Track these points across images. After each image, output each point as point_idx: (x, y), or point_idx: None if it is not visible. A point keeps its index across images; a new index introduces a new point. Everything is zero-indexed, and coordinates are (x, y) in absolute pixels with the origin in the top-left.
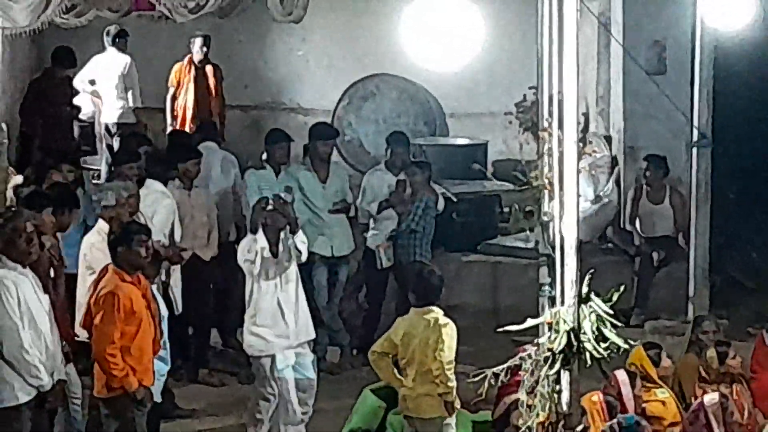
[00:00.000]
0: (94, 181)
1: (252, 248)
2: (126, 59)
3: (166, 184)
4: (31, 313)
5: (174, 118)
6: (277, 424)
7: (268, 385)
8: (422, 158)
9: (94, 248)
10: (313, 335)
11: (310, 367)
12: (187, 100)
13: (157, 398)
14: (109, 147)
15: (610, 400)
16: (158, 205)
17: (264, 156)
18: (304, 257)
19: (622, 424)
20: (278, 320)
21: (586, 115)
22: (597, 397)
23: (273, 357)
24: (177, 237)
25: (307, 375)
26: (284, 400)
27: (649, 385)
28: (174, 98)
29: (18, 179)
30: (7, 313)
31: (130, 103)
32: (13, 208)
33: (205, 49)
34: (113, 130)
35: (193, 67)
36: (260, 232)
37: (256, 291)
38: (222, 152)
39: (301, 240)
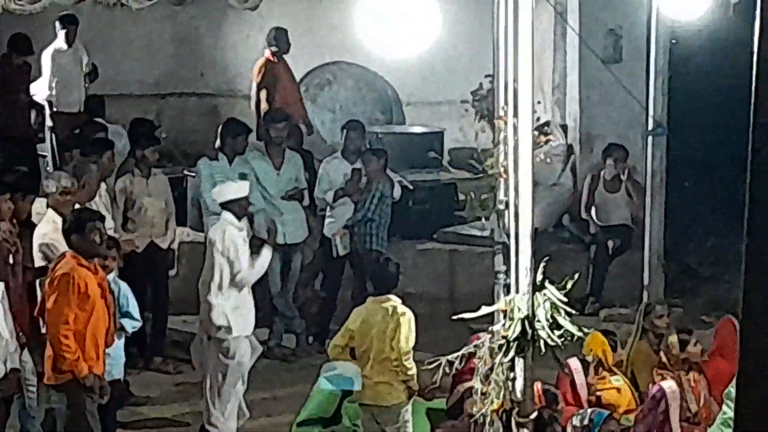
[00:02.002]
0: (47, 168)
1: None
2: (81, 49)
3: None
4: None
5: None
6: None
7: (233, 359)
8: (378, 146)
9: (46, 237)
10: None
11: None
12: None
13: (119, 372)
14: (62, 135)
15: (549, 388)
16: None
17: (218, 144)
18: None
19: (594, 420)
20: (248, 306)
21: (541, 104)
22: (537, 386)
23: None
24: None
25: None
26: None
27: (604, 372)
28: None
29: None
30: None
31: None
32: None
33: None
34: (63, 117)
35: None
36: (245, 220)
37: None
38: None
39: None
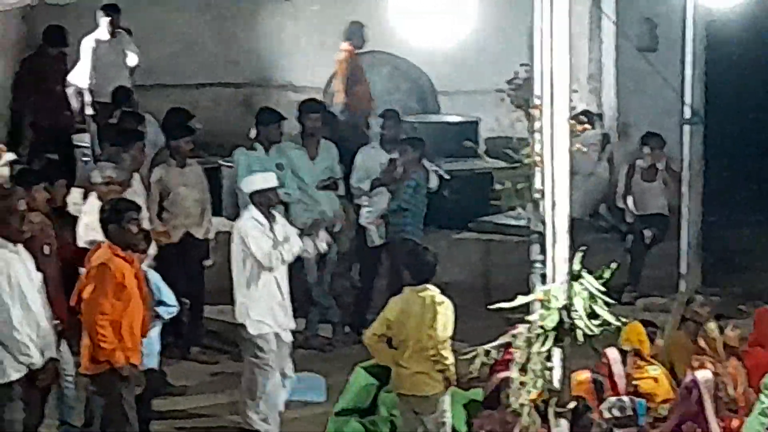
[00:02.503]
0: (84, 158)
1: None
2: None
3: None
4: (22, 292)
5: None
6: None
7: (265, 357)
8: (414, 135)
9: (91, 228)
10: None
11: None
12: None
13: (154, 361)
14: (102, 124)
15: (598, 378)
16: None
17: (253, 134)
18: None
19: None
20: (278, 299)
21: (577, 93)
22: (585, 375)
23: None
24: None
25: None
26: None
27: (641, 362)
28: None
29: (9, 156)
30: None
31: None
32: (6, 186)
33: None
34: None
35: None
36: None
37: (254, 268)
38: None
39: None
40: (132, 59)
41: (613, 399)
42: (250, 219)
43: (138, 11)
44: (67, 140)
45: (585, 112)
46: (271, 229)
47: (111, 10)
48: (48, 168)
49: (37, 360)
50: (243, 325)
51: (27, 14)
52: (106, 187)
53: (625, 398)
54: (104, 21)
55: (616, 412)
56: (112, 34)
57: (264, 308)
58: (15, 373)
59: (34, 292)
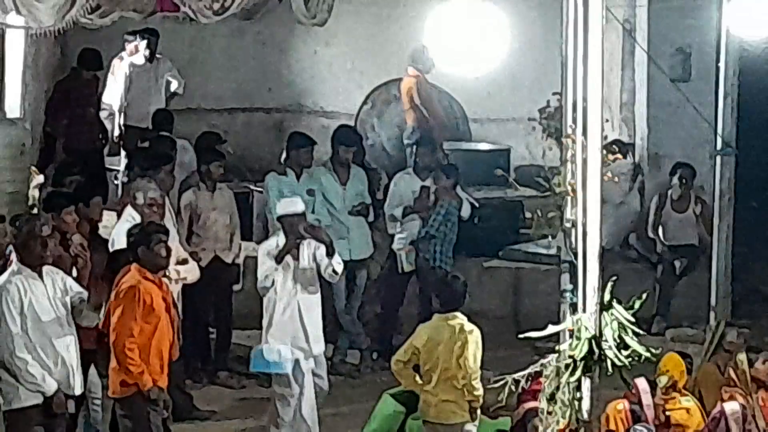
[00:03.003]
0: (116, 182)
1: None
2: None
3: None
4: (38, 318)
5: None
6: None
7: (286, 386)
8: (445, 163)
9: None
10: (322, 348)
11: (324, 374)
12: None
13: None
14: (135, 149)
15: (635, 408)
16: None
17: (284, 158)
18: (336, 278)
19: None
20: (297, 326)
21: (609, 122)
22: (622, 405)
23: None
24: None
25: (320, 382)
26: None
27: (674, 393)
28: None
29: (40, 179)
30: (4, 317)
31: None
32: (34, 210)
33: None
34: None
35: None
36: (280, 235)
37: (273, 294)
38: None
39: (337, 261)
40: (174, 86)
41: (638, 427)
42: (273, 243)
43: (169, 35)
44: (99, 163)
45: (616, 142)
46: (294, 257)
47: (149, 34)
48: (79, 189)
49: (49, 388)
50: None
51: (60, 37)
52: (148, 209)
53: (651, 426)
54: (141, 45)
55: None
56: (149, 59)
57: (280, 334)
58: (30, 399)
59: (54, 318)
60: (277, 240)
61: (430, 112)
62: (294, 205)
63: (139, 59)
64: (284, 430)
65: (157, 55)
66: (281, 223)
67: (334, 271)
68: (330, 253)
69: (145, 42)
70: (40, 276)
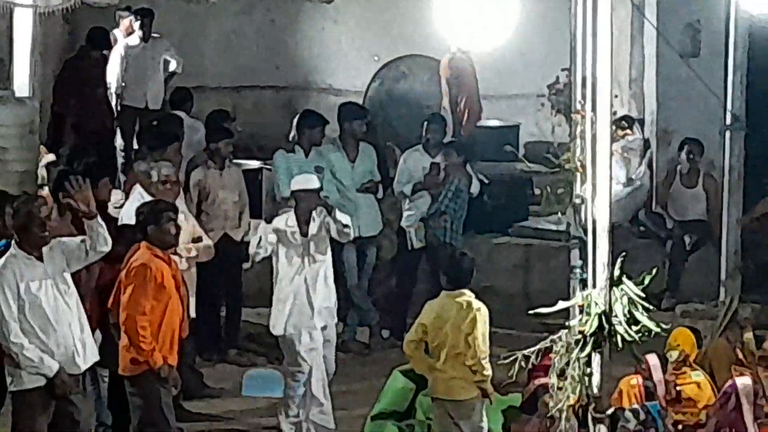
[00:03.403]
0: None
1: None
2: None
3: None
4: (38, 301)
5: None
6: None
7: (296, 364)
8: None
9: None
10: (325, 323)
11: (332, 353)
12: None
13: None
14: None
15: (648, 385)
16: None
17: (293, 136)
18: (351, 232)
19: (649, 411)
20: (302, 300)
21: (618, 98)
22: (636, 380)
23: (299, 336)
24: None
25: (328, 362)
26: (310, 382)
27: (685, 368)
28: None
29: (49, 157)
30: None
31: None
32: (44, 189)
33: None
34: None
35: None
36: (290, 213)
37: (280, 271)
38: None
39: (341, 217)
40: (173, 65)
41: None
42: (282, 220)
43: (178, 14)
44: (109, 142)
45: (626, 117)
46: (303, 234)
47: (143, 14)
48: (90, 169)
49: (50, 370)
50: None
51: (68, 16)
52: (162, 186)
53: (636, 405)
54: (136, 25)
55: (632, 420)
56: (144, 38)
57: (286, 308)
58: (32, 382)
59: (54, 298)
60: (287, 218)
61: (463, 93)
62: (309, 181)
63: (134, 40)
64: (295, 407)
65: (154, 35)
66: (294, 198)
67: (344, 226)
68: (330, 212)
69: (139, 22)
70: (41, 257)
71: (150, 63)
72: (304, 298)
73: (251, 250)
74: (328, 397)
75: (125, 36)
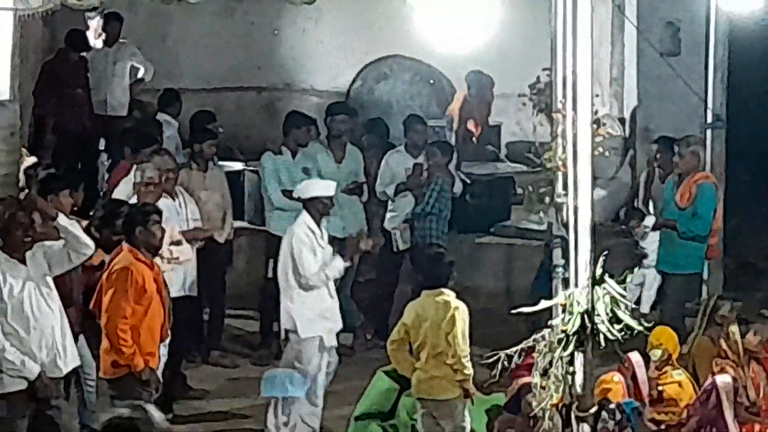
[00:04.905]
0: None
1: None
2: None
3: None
4: (21, 304)
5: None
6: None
7: (308, 365)
8: (436, 140)
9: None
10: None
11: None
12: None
13: None
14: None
15: (629, 384)
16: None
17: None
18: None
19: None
20: (326, 301)
21: (599, 97)
22: (618, 377)
23: (321, 338)
24: None
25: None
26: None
27: (666, 367)
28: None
29: (30, 160)
30: None
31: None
32: (25, 190)
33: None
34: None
35: None
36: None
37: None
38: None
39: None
40: (141, 72)
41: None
42: (303, 226)
43: (158, 15)
44: (91, 144)
45: (607, 116)
46: (322, 237)
47: (108, 18)
48: (70, 173)
49: (30, 373)
50: (293, 331)
51: (48, 18)
52: (144, 188)
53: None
54: (100, 28)
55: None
56: (108, 43)
57: (314, 312)
58: (14, 385)
59: (37, 301)
60: (305, 221)
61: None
62: (327, 188)
63: (98, 43)
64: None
65: (121, 40)
66: (307, 204)
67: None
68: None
69: (102, 25)
70: (23, 260)
71: (111, 68)
72: (328, 300)
73: (311, 282)
74: (322, 398)
75: (95, 38)
